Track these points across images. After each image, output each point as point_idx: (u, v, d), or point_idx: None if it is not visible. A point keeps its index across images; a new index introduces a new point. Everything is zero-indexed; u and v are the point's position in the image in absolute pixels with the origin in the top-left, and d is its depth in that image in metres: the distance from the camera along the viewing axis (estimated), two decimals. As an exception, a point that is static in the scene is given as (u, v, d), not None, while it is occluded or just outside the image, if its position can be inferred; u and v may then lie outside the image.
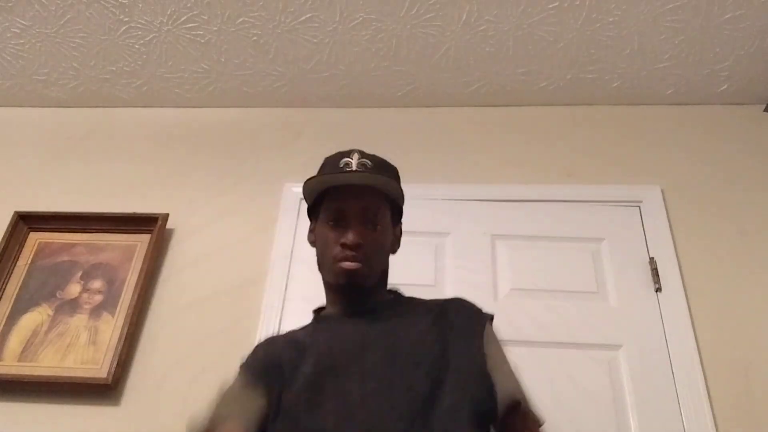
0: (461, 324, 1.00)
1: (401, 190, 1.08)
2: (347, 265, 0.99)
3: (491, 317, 1.06)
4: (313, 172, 1.97)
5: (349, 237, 0.99)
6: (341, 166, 1.05)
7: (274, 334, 1.12)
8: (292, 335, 1.07)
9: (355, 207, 1.02)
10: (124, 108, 2.23)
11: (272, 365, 0.97)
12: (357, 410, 0.87)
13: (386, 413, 0.86)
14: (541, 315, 1.64)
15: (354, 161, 1.05)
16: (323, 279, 1.07)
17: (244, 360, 1.04)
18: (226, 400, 0.96)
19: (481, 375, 0.93)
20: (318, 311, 1.11)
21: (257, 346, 1.06)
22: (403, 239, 1.89)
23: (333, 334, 1.00)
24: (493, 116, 2.08)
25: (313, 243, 1.11)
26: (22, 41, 1.99)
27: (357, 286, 1.01)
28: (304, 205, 1.86)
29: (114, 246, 1.84)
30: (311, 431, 0.87)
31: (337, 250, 1.00)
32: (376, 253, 1.03)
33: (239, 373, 1.00)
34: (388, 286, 1.12)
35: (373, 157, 1.08)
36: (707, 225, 1.76)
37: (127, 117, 2.21)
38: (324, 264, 1.05)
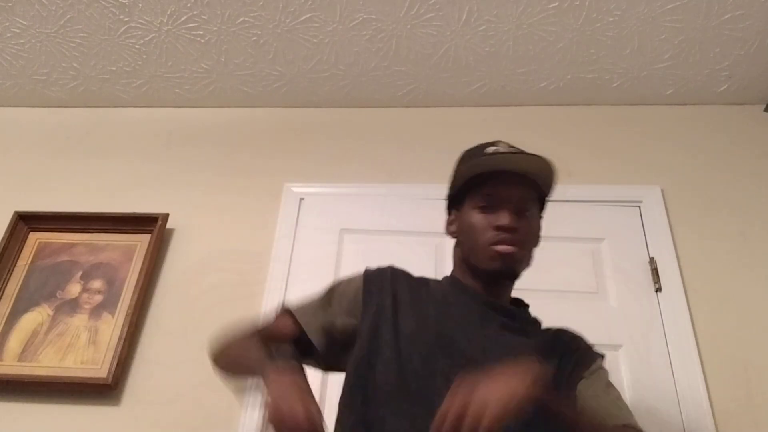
0: (564, 364, 0.96)
1: (554, 179, 1.04)
2: (503, 248, 0.96)
3: (601, 356, 1.02)
4: (314, 171, 2.00)
5: (505, 219, 0.96)
6: (489, 152, 1.02)
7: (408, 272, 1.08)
8: (423, 283, 1.05)
9: (507, 192, 0.99)
10: (124, 108, 2.23)
11: (380, 297, 0.98)
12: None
13: None
14: (541, 315, 1.64)
15: (502, 148, 1.02)
16: (470, 266, 1.03)
17: (370, 269, 1.05)
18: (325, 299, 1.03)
19: None
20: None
21: (385, 269, 1.05)
22: (402, 239, 1.89)
23: (459, 313, 0.97)
24: (493, 116, 2.07)
25: (454, 233, 1.07)
26: (22, 41, 1.99)
27: (511, 271, 0.98)
28: (304, 205, 1.90)
29: (114, 246, 1.84)
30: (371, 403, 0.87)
31: (490, 234, 0.97)
32: (528, 241, 1.00)
33: (358, 280, 1.03)
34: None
35: (518, 149, 1.05)
36: (707, 225, 1.76)
37: (127, 117, 2.21)
38: (475, 250, 1.00)
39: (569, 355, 0.97)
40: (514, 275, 1.01)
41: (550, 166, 1.02)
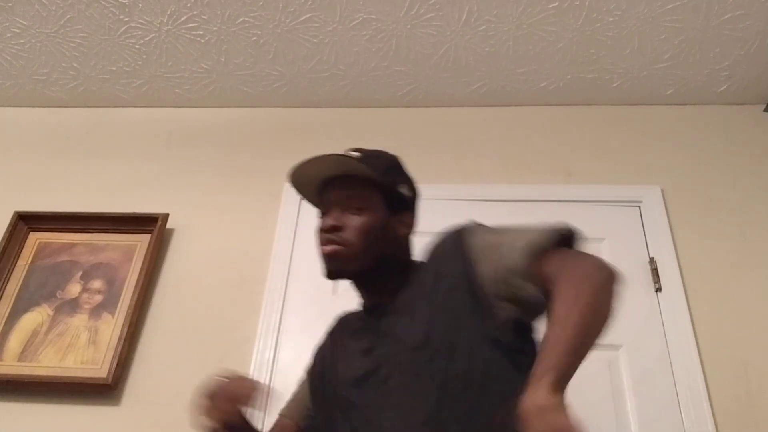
0: (445, 272, 0.92)
1: (375, 173, 1.00)
2: (324, 248, 0.96)
3: (463, 230, 0.99)
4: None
5: (324, 221, 0.97)
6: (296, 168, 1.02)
7: (346, 314, 1.10)
8: (347, 325, 1.07)
9: (329, 196, 1.00)
10: (124, 108, 2.23)
11: (315, 365, 1.06)
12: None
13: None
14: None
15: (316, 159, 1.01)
16: None
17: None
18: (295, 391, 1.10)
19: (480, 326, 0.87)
20: None
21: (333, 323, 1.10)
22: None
23: (347, 348, 1.00)
24: (493, 116, 2.08)
25: None
26: (22, 41, 1.99)
27: (340, 270, 0.97)
28: (304, 205, 1.90)
29: (114, 246, 1.84)
30: None
31: (320, 238, 0.98)
32: (362, 235, 0.96)
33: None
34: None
35: (358, 150, 1.04)
36: (707, 225, 1.76)
37: (127, 117, 2.21)
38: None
39: (444, 259, 0.95)
40: (347, 274, 0.98)
41: (346, 160, 0.99)
